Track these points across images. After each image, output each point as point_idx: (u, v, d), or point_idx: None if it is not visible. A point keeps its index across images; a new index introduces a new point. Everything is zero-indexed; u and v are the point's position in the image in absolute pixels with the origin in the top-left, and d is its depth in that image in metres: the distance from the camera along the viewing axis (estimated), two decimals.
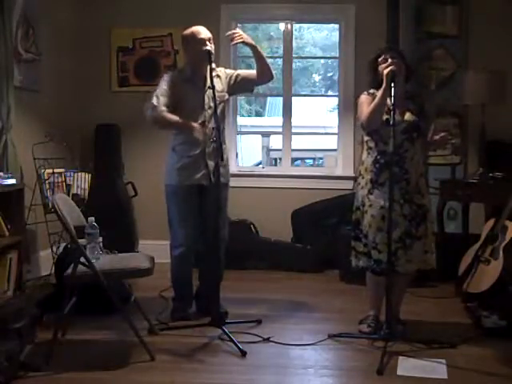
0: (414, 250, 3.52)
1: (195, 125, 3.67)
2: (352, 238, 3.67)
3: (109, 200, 4.95)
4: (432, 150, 4.04)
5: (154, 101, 3.71)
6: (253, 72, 3.97)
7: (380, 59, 3.54)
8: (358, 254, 3.63)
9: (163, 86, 3.77)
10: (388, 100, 3.45)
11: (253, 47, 3.84)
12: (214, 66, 3.90)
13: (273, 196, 5.59)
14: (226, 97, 3.97)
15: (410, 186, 3.53)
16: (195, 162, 3.80)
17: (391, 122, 3.35)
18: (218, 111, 3.73)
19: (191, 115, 3.74)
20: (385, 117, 3.50)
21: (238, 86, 3.99)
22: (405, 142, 3.50)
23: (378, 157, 3.56)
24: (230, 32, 3.86)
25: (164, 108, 3.70)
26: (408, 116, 3.54)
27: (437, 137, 3.61)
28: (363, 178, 3.62)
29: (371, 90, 3.62)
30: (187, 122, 3.69)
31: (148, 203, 5.28)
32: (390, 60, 3.48)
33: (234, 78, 3.96)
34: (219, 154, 3.53)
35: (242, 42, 3.81)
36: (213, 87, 3.61)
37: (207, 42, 3.75)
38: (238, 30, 3.90)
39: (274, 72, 3.96)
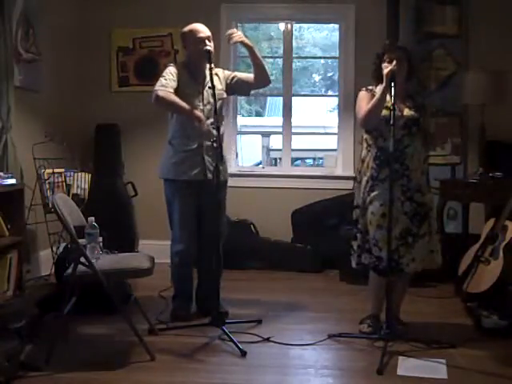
0: (417, 249, 3.51)
1: (201, 115, 3.67)
2: (352, 238, 3.68)
3: (109, 200, 4.95)
4: (433, 148, 4.03)
5: (163, 81, 3.70)
6: (250, 76, 3.96)
7: (384, 57, 3.53)
8: (355, 252, 3.63)
9: (171, 71, 3.75)
10: (388, 97, 3.47)
11: (250, 49, 3.84)
12: (212, 65, 3.89)
13: (273, 196, 5.59)
14: (225, 95, 3.96)
15: (412, 184, 3.52)
16: (192, 156, 3.79)
17: (391, 122, 3.35)
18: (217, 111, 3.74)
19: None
20: (383, 113, 3.50)
21: (235, 88, 3.99)
22: (404, 137, 3.49)
23: (378, 153, 3.55)
24: (229, 31, 3.86)
25: (172, 90, 3.69)
26: (407, 112, 3.54)
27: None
28: (365, 175, 3.61)
29: (370, 87, 3.63)
30: (194, 110, 3.68)
31: (148, 203, 5.28)
32: (394, 62, 3.47)
33: (230, 78, 3.96)
34: (219, 153, 3.53)
35: (241, 42, 3.82)
36: (213, 87, 3.61)
37: (207, 41, 3.75)
38: (236, 30, 3.89)
39: (271, 76, 3.97)
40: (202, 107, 3.78)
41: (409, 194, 3.51)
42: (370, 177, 3.57)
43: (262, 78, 3.92)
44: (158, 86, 3.70)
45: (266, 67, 3.94)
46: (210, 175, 3.76)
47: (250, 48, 3.84)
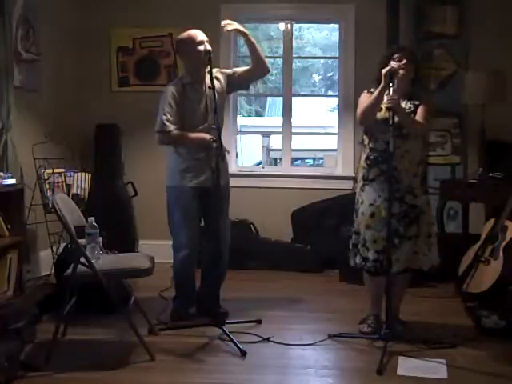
0: (402, 250, 3.50)
1: (208, 137, 3.65)
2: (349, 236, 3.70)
3: (109, 200, 4.94)
4: (432, 149, 4.01)
5: (163, 118, 3.68)
6: (247, 68, 4.00)
7: (394, 56, 3.51)
8: (349, 252, 3.64)
9: (169, 100, 3.72)
10: (385, 97, 3.47)
11: (245, 36, 3.84)
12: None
13: (273, 196, 5.59)
14: (226, 96, 3.98)
15: (402, 185, 3.51)
16: (200, 164, 3.79)
17: (390, 122, 3.35)
18: (218, 111, 3.74)
19: (199, 121, 3.77)
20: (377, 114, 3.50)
21: (236, 83, 4.00)
22: (395, 138, 3.47)
23: (370, 153, 3.58)
24: (224, 21, 3.85)
25: (173, 127, 3.69)
26: None
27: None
28: (358, 175, 3.65)
29: (372, 89, 3.62)
30: (200, 137, 3.70)
31: (148, 203, 5.28)
32: (404, 60, 3.47)
33: (231, 75, 3.98)
34: (220, 154, 3.53)
35: (236, 31, 3.81)
36: (213, 87, 3.61)
37: (206, 43, 3.76)
38: (231, 21, 3.87)
39: (271, 75, 3.99)
40: (208, 116, 3.77)
41: (398, 195, 3.50)
42: (361, 177, 3.60)
43: (260, 66, 3.92)
44: (159, 126, 3.70)
45: (263, 55, 3.94)
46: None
47: (245, 35, 3.85)
